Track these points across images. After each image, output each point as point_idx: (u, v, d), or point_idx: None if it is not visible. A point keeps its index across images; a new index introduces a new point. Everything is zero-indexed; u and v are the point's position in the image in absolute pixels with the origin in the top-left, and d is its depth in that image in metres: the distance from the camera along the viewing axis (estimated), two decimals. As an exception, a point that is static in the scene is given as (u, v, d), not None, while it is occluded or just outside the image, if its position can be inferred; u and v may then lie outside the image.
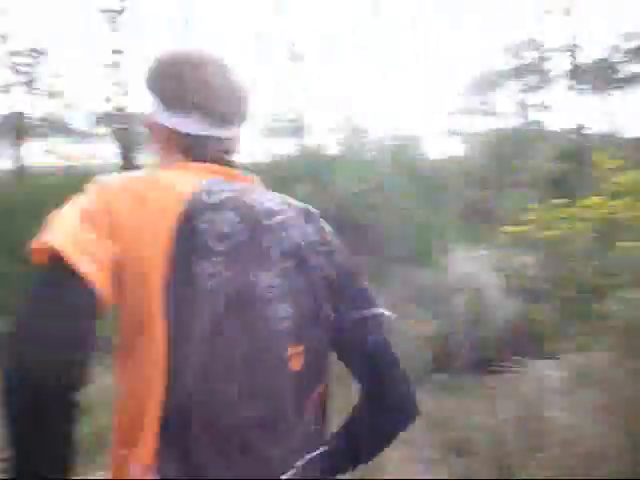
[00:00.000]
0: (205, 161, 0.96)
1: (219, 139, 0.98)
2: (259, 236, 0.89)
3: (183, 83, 0.95)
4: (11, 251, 4.78)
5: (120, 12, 18.62)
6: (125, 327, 0.84)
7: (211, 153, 0.97)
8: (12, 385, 0.72)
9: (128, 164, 17.55)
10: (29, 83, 22.68)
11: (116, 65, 23.11)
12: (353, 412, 1.04)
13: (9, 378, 0.72)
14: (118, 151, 19.64)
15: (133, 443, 0.81)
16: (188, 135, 0.96)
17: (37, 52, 21.94)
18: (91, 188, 0.87)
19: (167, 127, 0.96)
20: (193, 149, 0.96)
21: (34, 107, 23.21)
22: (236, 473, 0.83)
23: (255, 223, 0.90)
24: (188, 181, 0.89)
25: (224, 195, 0.89)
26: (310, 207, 1.01)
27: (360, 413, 1.02)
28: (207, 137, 0.97)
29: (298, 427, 0.90)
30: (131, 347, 0.83)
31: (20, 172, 19.22)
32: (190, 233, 0.84)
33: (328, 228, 1.01)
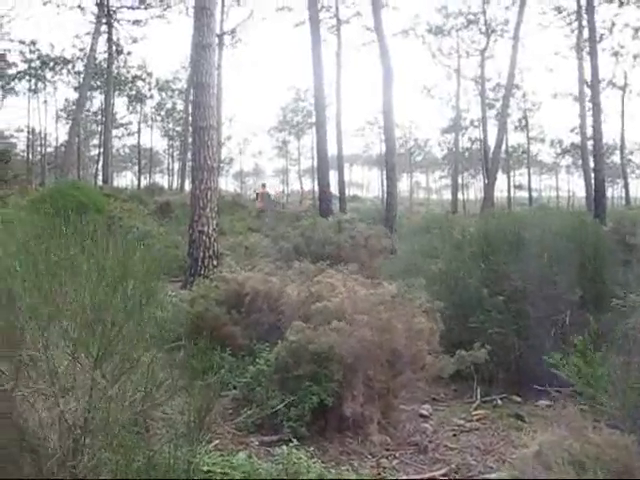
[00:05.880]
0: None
1: None
2: None
3: None
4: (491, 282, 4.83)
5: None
6: None
7: None
8: None
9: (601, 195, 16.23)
10: (500, 116, 23.79)
11: (582, 95, 21.95)
12: None
13: None
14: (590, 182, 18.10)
15: None
16: None
17: (508, 86, 22.85)
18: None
19: None
20: None
21: (502, 141, 24.30)
22: None
23: None
24: None
25: None
26: None
27: None
28: None
29: None
30: None
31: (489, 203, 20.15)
32: None
33: None
